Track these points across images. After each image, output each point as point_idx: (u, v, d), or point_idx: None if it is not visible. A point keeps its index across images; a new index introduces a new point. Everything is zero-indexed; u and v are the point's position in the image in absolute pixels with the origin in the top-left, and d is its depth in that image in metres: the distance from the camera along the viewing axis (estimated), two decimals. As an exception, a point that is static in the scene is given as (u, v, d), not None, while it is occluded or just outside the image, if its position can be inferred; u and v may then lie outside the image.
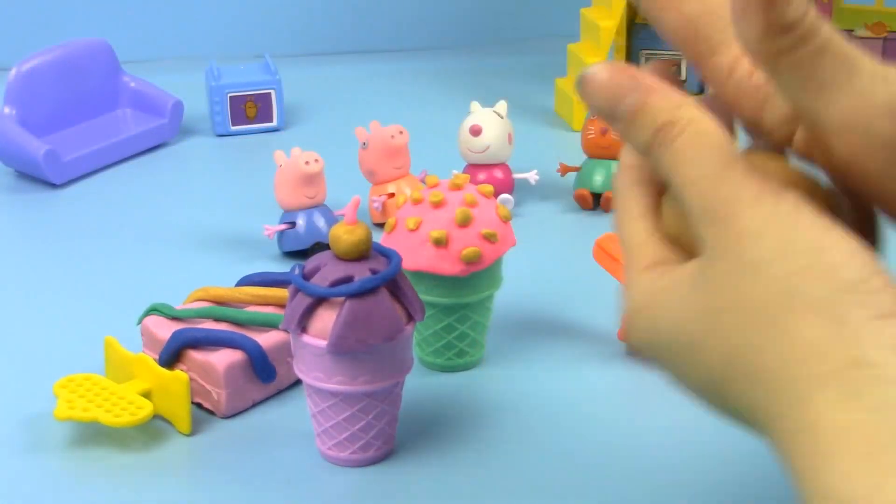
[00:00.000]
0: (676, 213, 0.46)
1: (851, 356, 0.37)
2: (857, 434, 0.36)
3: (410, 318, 0.65)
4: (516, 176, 0.96)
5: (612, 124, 0.46)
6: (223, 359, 0.70)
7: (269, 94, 1.13)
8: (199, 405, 0.71)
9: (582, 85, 0.46)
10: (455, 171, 0.92)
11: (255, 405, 0.72)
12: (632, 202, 0.47)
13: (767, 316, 0.39)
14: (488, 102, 0.97)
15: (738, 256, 0.41)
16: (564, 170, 0.99)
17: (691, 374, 0.43)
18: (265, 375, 0.71)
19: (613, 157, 0.96)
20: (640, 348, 0.46)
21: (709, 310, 0.41)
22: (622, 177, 0.48)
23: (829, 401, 0.37)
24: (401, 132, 0.93)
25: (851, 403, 0.36)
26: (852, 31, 1.17)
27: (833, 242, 0.40)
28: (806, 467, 0.37)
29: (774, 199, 0.41)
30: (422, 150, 0.97)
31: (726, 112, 0.47)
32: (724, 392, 0.41)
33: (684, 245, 0.46)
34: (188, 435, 0.69)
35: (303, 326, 0.64)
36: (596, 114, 0.46)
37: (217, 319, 0.73)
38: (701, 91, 1.19)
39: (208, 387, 0.70)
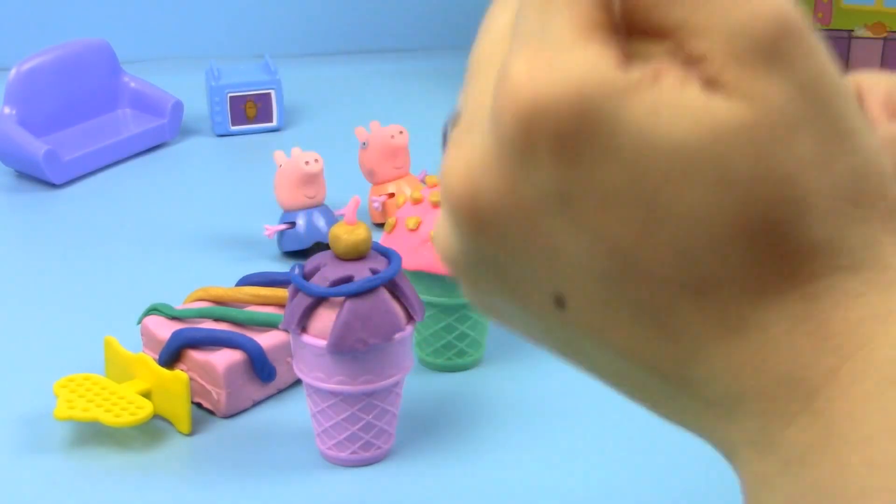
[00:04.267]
0: None
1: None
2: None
3: (410, 318, 0.65)
4: (516, 176, 0.96)
5: None
6: (223, 359, 0.70)
7: (269, 94, 1.13)
8: (199, 405, 0.71)
9: None
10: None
11: (255, 405, 0.72)
12: None
13: None
14: (488, 102, 0.97)
15: None
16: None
17: None
18: (265, 375, 0.71)
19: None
20: None
21: None
22: None
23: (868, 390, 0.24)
24: (401, 132, 0.93)
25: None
26: (852, 31, 1.17)
27: None
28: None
29: None
30: (422, 150, 0.97)
31: None
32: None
33: None
34: (188, 435, 0.69)
35: (303, 326, 0.64)
36: None
37: (217, 319, 0.73)
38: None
39: (208, 387, 0.70)
